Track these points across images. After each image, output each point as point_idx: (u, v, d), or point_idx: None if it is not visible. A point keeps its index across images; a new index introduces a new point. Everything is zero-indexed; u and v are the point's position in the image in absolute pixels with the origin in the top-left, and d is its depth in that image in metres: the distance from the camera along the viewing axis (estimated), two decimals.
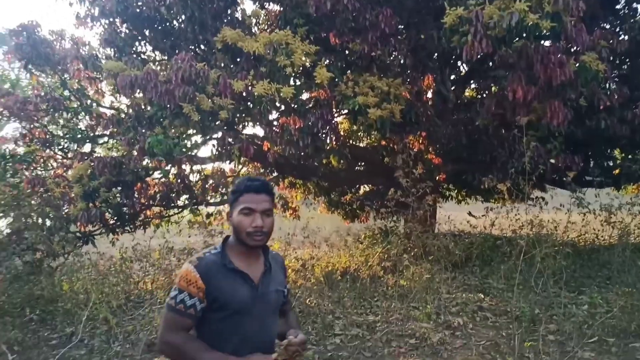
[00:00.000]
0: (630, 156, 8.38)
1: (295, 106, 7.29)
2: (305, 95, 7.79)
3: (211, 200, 9.79)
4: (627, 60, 8.22)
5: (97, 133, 9.02)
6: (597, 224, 7.38)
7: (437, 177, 8.72)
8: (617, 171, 8.79)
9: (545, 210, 7.70)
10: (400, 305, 5.65)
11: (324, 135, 6.97)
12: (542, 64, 5.64)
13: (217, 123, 6.88)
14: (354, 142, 11.28)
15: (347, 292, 6.27)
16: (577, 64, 5.82)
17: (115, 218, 8.08)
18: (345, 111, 7.83)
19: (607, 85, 7.83)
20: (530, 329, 4.69)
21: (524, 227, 7.51)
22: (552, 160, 7.18)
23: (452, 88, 9.08)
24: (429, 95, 9.11)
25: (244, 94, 6.53)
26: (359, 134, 11.00)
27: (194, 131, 7.78)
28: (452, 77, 9.47)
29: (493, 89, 7.97)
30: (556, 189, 9.50)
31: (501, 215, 7.26)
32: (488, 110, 6.77)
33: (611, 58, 6.80)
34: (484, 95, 8.41)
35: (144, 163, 8.17)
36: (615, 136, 7.24)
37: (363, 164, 10.37)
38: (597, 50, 5.95)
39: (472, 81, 9.65)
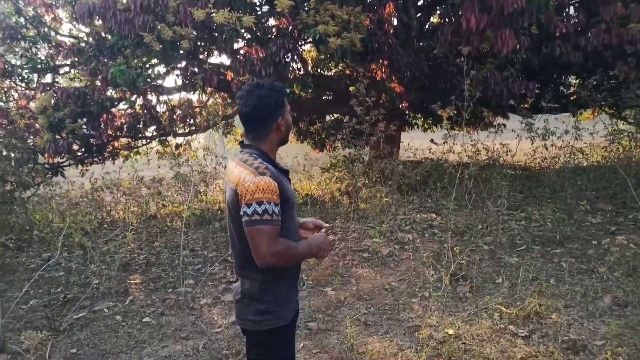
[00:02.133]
0: (582, 83, 8.71)
1: (259, 34, 7.27)
2: (268, 24, 7.76)
3: (179, 131, 9.90)
4: None
5: (57, 63, 8.82)
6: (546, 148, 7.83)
7: (400, 106, 8.95)
8: (573, 97, 9.18)
9: (511, 137, 8.12)
10: (358, 225, 6.10)
11: (285, 65, 7.04)
12: None
13: (179, 53, 6.88)
14: (321, 71, 11.31)
15: (310, 215, 6.67)
16: None
17: (83, 149, 8.17)
18: (310, 40, 7.85)
19: (566, 11, 8.02)
20: (469, 241, 5.21)
21: (479, 153, 7.95)
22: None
23: (419, 15, 9.10)
24: (394, 23, 9.12)
25: (206, 22, 6.49)
26: (327, 62, 11.04)
27: (157, 61, 7.75)
28: (420, 3, 9.46)
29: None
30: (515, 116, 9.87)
31: (459, 142, 7.65)
32: (445, 39, 6.92)
33: None
34: (444, 23, 8.49)
35: (109, 93, 8.16)
36: (569, 63, 7.47)
37: (330, 93, 10.48)
38: None
39: (437, 7, 9.65)
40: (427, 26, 9.66)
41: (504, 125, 11.38)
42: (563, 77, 9.32)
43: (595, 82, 8.09)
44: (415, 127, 12.69)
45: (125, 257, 5.57)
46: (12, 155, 7.50)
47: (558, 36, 7.23)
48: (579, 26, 7.39)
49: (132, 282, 4.91)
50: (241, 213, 1.72)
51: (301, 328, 3.60)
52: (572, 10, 8.15)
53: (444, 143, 7.41)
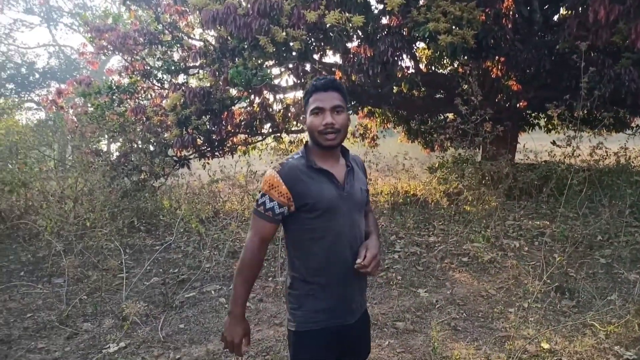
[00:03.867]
0: None
1: (371, 32, 7.31)
2: (380, 24, 7.77)
3: (292, 129, 10.34)
4: None
5: (188, 64, 9.72)
6: None
7: (517, 105, 8.41)
8: None
9: None
10: (462, 229, 5.89)
11: (393, 63, 6.99)
12: None
13: (292, 53, 7.20)
14: (436, 69, 11.04)
15: (413, 216, 6.59)
16: None
17: (206, 144, 8.92)
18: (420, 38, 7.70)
19: None
20: (585, 253, 4.77)
21: (607, 157, 7.22)
22: None
23: (545, 7, 8.47)
24: (514, 17, 8.57)
25: (317, 24, 6.69)
26: (441, 60, 10.75)
27: (272, 62, 8.18)
28: None
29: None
30: None
31: (579, 145, 7.00)
32: (570, 33, 6.36)
33: None
34: (570, 15, 7.78)
35: (230, 92, 8.81)
36: None
37: (443, 91, 10.20)
38: None
39: None
40: (554, 19, 8.92)
41: None
42: None
43: None
44: (538, 127, 11.84)
45: (234, 245, 6.00)
46: (148, 148, 8.47)
47: None
48: None
49: None
50: None
51: (388, 326, 3.61)
52: None
53: (568, 145, 6.86)
